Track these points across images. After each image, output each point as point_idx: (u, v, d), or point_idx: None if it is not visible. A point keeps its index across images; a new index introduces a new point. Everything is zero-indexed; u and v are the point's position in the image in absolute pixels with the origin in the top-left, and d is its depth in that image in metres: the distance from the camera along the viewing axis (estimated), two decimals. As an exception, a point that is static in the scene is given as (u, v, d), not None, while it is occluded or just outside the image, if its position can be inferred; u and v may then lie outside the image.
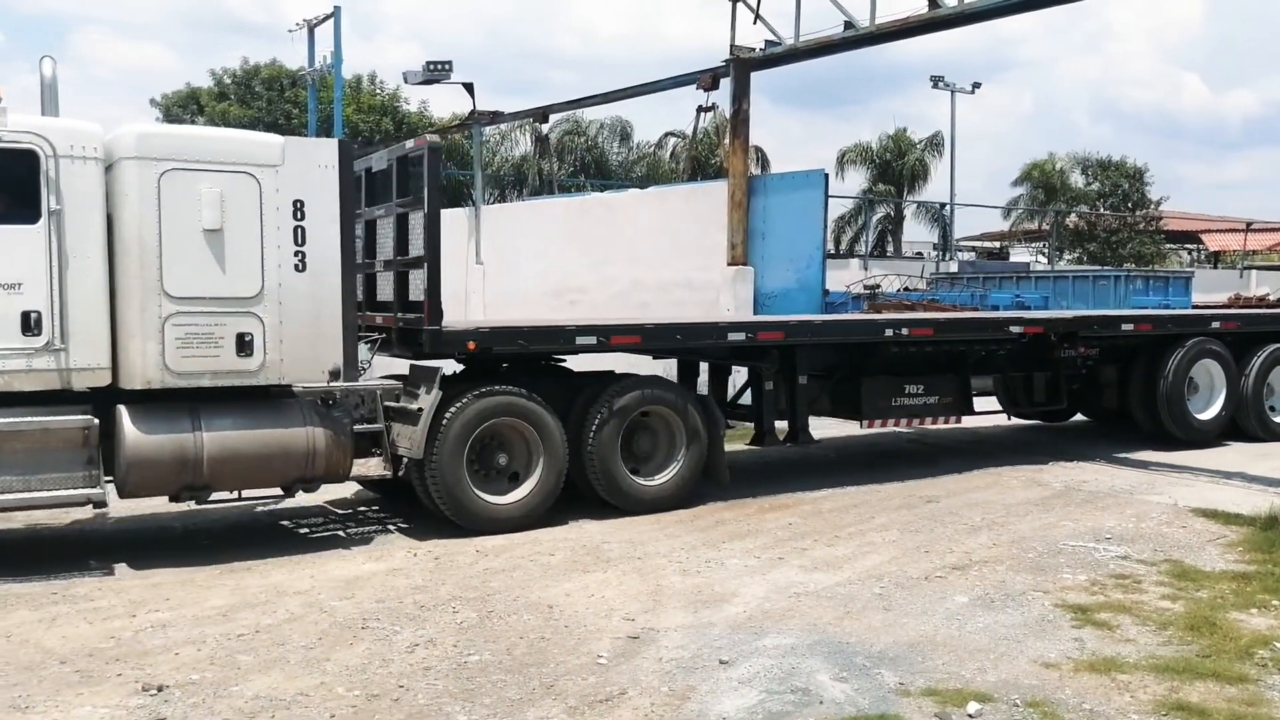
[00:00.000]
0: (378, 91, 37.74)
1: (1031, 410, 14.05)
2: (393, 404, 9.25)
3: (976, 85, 40.89)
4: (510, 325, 10.35)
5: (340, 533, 9.46)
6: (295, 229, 8.70)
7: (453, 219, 25.92)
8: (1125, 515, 9.75)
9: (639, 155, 42.20)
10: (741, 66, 18.53)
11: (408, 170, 9.65)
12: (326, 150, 8.97)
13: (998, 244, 47.32)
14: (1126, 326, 13.07)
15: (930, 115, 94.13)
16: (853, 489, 10.95)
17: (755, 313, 17.53)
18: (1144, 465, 12.30)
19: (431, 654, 6.14)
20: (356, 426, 9.02)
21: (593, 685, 5.70)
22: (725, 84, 19.04)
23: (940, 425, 12.74)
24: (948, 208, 39.98)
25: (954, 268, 31.38)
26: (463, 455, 9.07)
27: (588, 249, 20.91)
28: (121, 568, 8.09)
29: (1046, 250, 42.33)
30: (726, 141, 20.86)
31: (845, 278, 24.17)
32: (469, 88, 24.85)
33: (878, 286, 24.02)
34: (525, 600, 7.20)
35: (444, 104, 58.75)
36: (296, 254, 8.70)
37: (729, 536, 9.05)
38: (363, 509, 10.37)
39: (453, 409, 9.05)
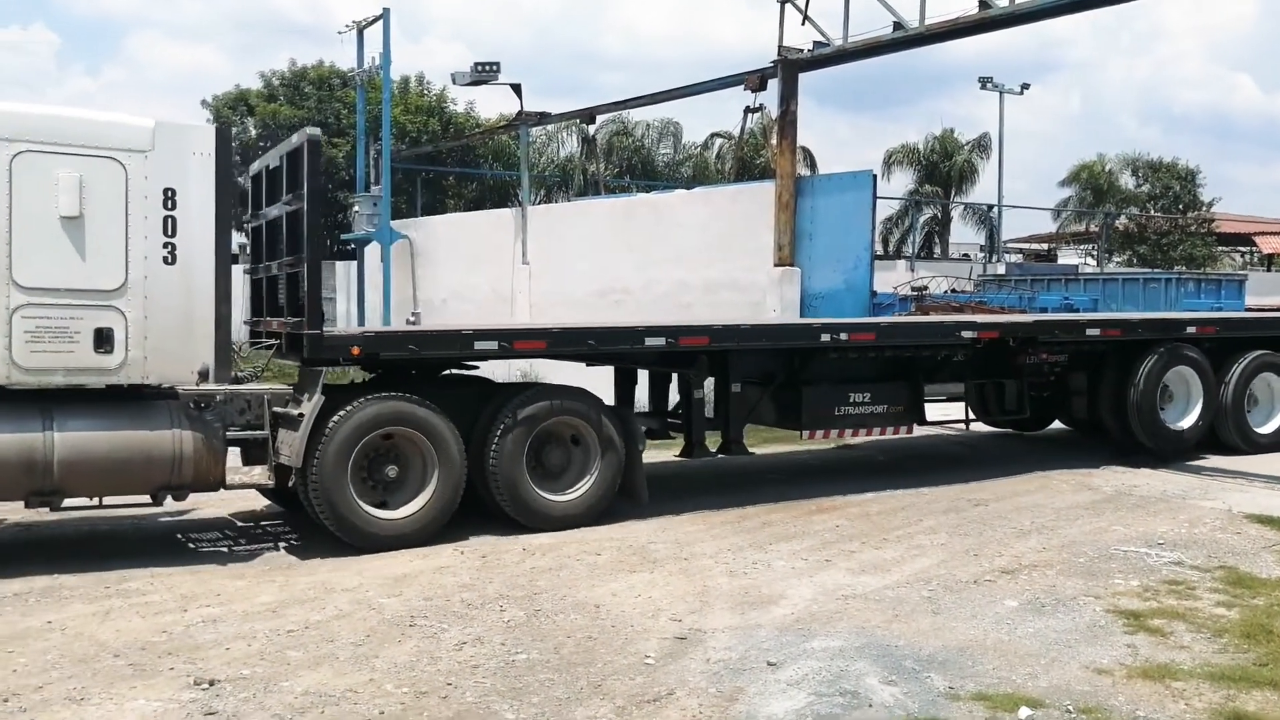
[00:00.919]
0: (425, 93, 38.00)
1: (1002, 419, 13.58)
2: (281, 410, 8.72)
3: (1025, 86, 40.39)
4: (401, 330, 10.06)
5: (232, 547, 9.03)
6: (165, 219, 8.20)
7: (499, 219, 26.08)
8: (1178, 520, 9.60)
9: (685, 156, 42.18)
10: (789, 67, 18.46)
11: (297, 166, 9.12)
12: (202, 136, 8.47)
13: (1045, 246, 46.81)
14: (1092, 331, 12.36)
15: (977, 116, 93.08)
16: (900, 492, 10.87)
17: (802, 314, 17.46)
18: (1197, 470, 12.11)
19: (479, 652, 6.16)
20: (233, 432, 8.55)
21: (640, 685, 5.69)
22: (773, 85, 18.98)
23: (890, 436, 11.86)
24: (995, 209, 39.59)
25: (1001, 270, 31.11)
26: (346, 465, 8.50)
27: (633, 250, 20.92)
28: (172, 563, 8.20)
29: (1095, 252, 41.81)
30: (773, 142, 20.78)
31: (892, 279, 24.00)
32: (516, 89, 25.01)
33: (925, 288, 23.84)
34: (572, 599, 7.21)
35: (491, 105, 59.19)
36: (166, 245, 8.20)
37: (776, 538, 9.01)
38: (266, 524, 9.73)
39: (337, 416, 8.51)
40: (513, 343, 9.58)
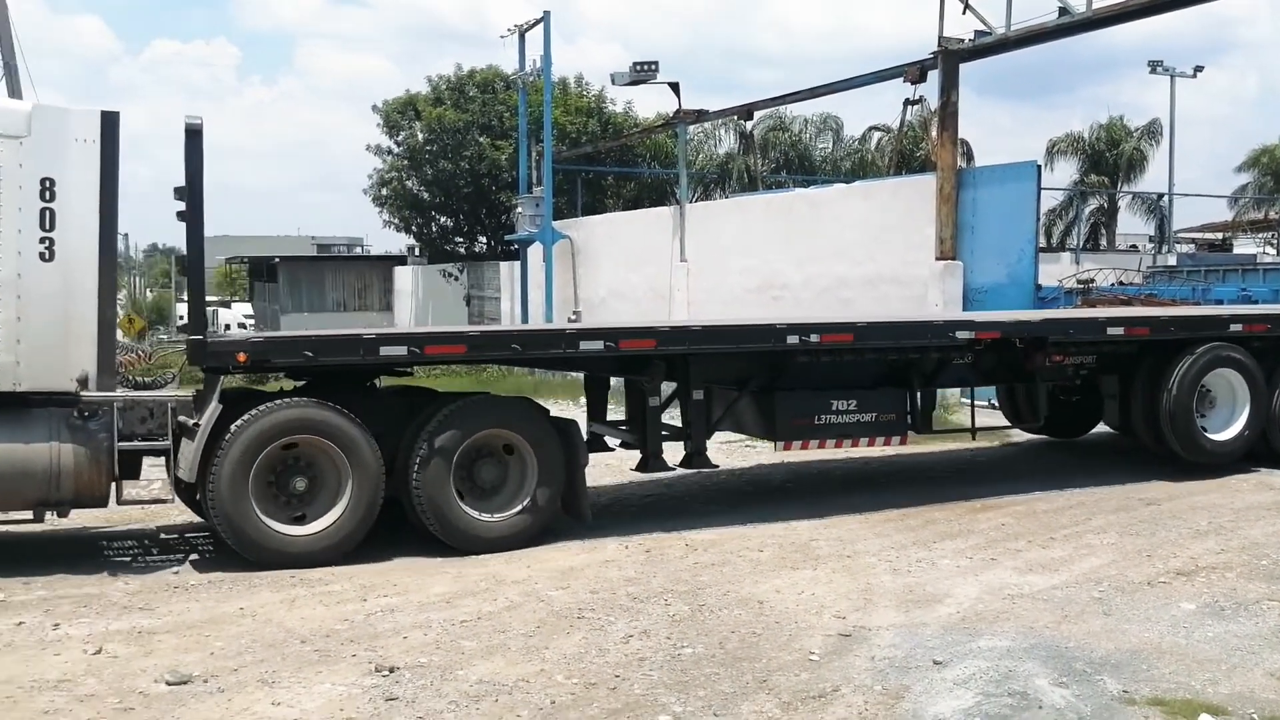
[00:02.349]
0: (584, 93, 38.53)
1: (1031, 425, 12.44)
2: (186, 419, 8.18)
3: (1199, 69, 38.41)
4: (295, 334, 9.27)
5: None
6: (42, 211, 7.60)
7: (657, 218, 26.30)
8: (1376, 523, 9.07)
9: (844, 150, 41.66)
10: (950, 58, 18.08)
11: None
12: (85, 122, 7.81)
13: (1220, 235, 44.42)
14: (1115, 331, 11.04)
15: (1144, 102, 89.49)
16: (1066, 491, 10.55)
17: (965, 309, 17.09)
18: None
19: (645, 645, 6.29)
20: (130, 443, 7.94)
21: (805, 681, 5.72)
22: (932, 76, 18.62)
23: (881, 448, 10.82)
24: (1165, 198, 37.83)
25: (1172, 261, 29.72)
26: (247, 478, 7.93)
27: (792, 245, 20.83)
28: (351, 554, 8.57)
29: (1276, 241, 39.49)
30: (934, 134, 20.38)
31: (1056, 272, 23.22)
32: (674, 87, 25.15)
33: (1091, 281, 22.98)
34: (736, 595, 7.28)
35: (649, 104, 59.60)
36: (43, 240, 7.60)
37: (940, 536, 8.89)
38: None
39: (237, 424, 7.96)
40: (424, 347, 8.83)
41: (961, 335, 10.35)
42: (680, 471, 10.11)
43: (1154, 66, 37.60)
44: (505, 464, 8.86)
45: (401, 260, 43.98)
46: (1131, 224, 44.24)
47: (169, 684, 5.57)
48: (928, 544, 8.63)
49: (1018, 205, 17.10)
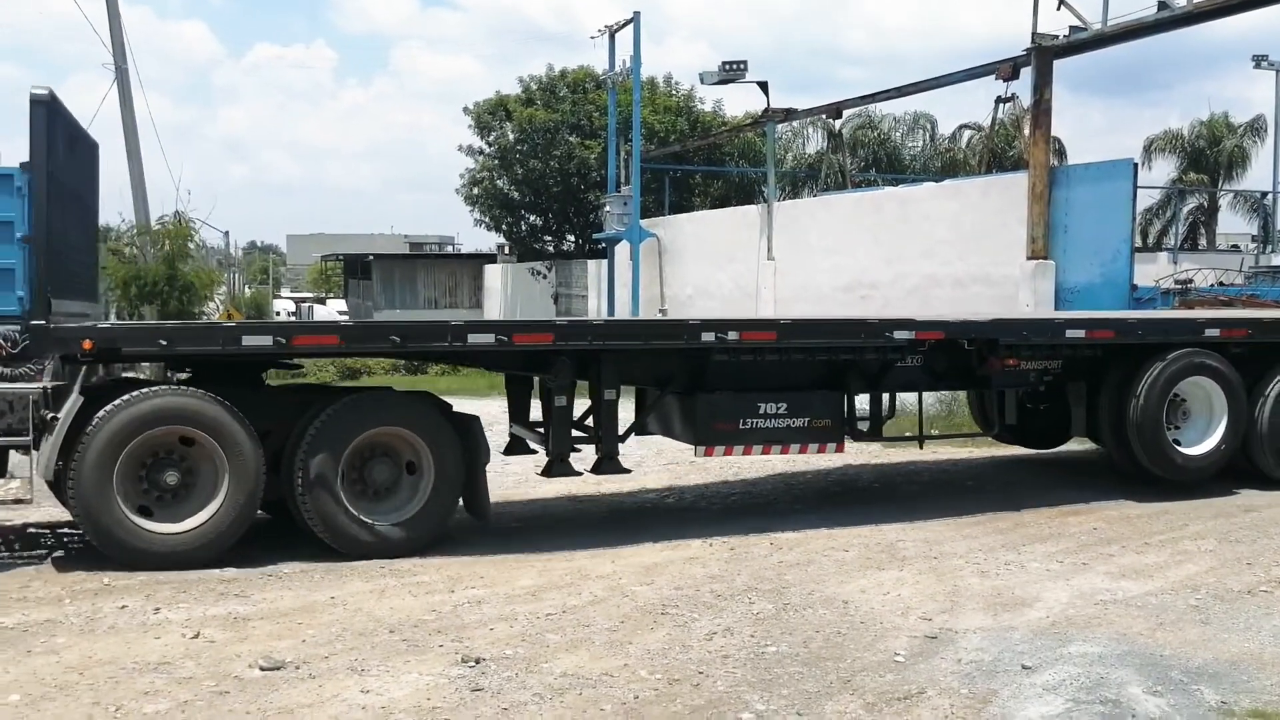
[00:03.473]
0: (673, 93, 38.58)
1: (999, 435, 11.60)
2: (48, 413, 7.77)
3: (1306, 63, 37.04)
4: (149, 324, 8.86)
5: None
6: None
7: (745, 216, 26.23)
8: None
9: (934, 149, 41.11)
10: (1043, 54, 17.73)
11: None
12: None
13: (1330, 235, 42.83)
14: (1074, 333, 10.21)
15: (1247, 97, 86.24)
16: (1160, 502, 10.21)
17: (1057, 309, 16.75)
18: None
19: (729, 642, 6.28)
20: None
21: (890, 683, 5.67)
22: (1025, 73, 18.29)
23: (817, 456, 10.25)
24: (1270, 196, 36.60)
25: (1277, 261, 28.76)
26: (112, 473, 7.57)
27: (880, 244, 20.64)
28: (438, 547, 8.70)
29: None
30: (1026, 132, 20.02)
31: (1153, 272, 22.63)
32: (763, 86, 25.07)
33: (1190, 281, 22.35)
34: (820, 595, 7.23)
35: (737, 103, 59.38)
36: None
37: (1029, 539, 8.74)
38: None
39: (99, 416, 7.58)
40: (291, 338, 8.35)
41: (900, 335, 9.62)
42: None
43: (1258, 61, 36.43)
44: (399, 464, 8.45)
45: (491, 258, 44.46)
46: (1232, 223, 42.98)
47: (263, 669, 5.71)
48: (1016, 547, 8.48)
49: (1112, 204, 16.70)
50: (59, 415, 7.62)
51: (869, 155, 39.51)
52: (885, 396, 10.27)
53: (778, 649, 6.18)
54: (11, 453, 8.03)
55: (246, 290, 68.01)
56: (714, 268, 26.54)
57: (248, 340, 8.12)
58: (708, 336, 9.04)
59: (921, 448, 11.22)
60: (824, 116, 27.84)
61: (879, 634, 6.44)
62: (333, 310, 52.02)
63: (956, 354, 10.15)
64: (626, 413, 9.60)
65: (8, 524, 9.16)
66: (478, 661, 5.91)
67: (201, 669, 5.71)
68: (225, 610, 6.77)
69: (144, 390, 7.86)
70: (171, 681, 5.52)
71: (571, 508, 10.37)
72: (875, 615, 6.79)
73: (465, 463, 8.56)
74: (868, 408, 10.20)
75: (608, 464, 9.30)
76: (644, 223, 28.75)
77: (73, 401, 7.65)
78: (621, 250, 28.99)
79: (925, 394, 10.94)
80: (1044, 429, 12.24)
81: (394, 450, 8.43)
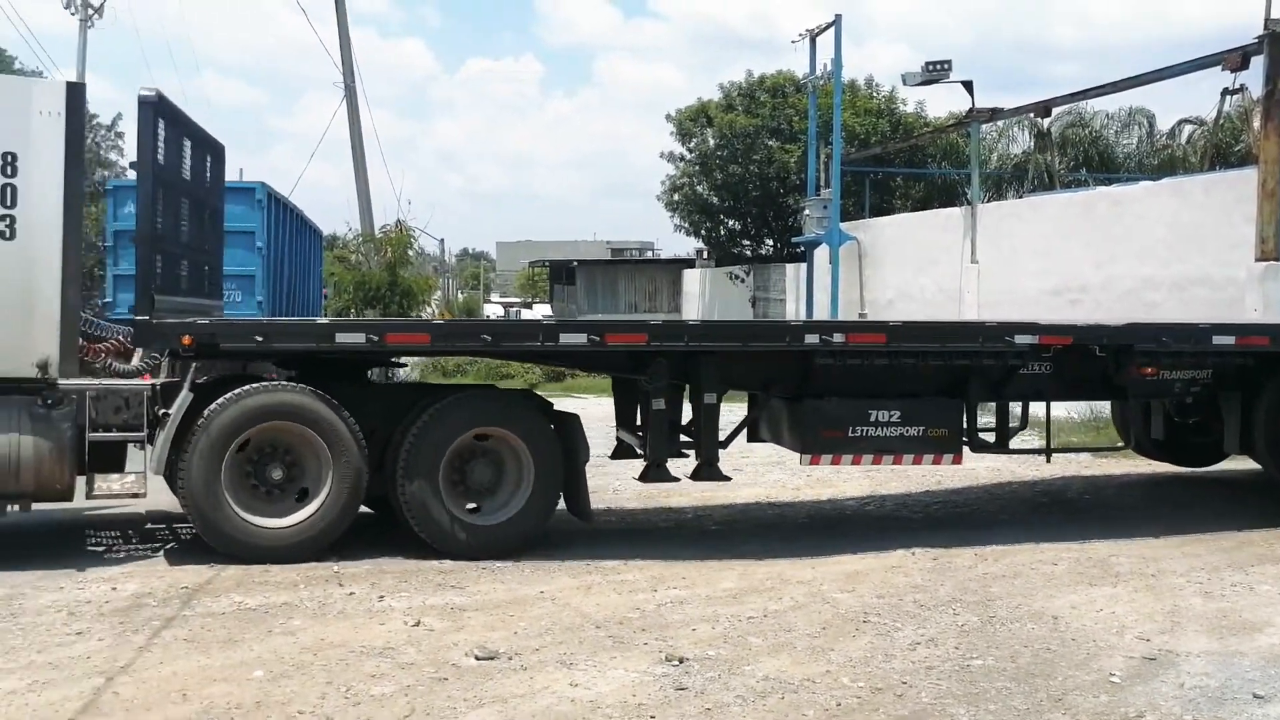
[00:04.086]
0: (874, 95, 38.04)
1: (1149, 451, 10.87)
2: (163, 409, 7.94)
3: None
4: (247, 320, 8.74)
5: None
6: (3, 187, 7.39)
7: (947, 219, 25.61)
8: None
9: (1150, 146, 39.10)
10: (1276, 42, 16.64)
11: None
12: (49, 94, 7.56)
13: None
14: (1222, 340, 9.30)
15: None
16: None
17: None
18: None
19: (933, 653, 6.19)
20: (95, 434, 7.72)
21: (1105, 704, 5.47)
22: (1256, 62, 17.18)
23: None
24: None
25: None
26: (219, 467, 7.72)
27: (1091, 246, 19.79)
28: (642, 547, 8.86)
29: None
30: (1256, 125, 18.84)
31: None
32: (968, 86, 24.43)
33: None
34: (1028, 609, 7.04)
35: (940, 103, 58.12)
36: (3, 218, 7.40)
37: (1257, 559, 8.27)
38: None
39: (208, 411, 7.74)
40: (384, 335, 8.33)
41: (1022, 340, 9.02)
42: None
43: None
44: (501, 462, 8.43)
45: (690, 263, 44.82)
46: None
47: (478, 659, 5.97)
48: (1243, 567, 8.03)
49: (1357, 201, 15.52)
50: (170, 411, 7.81)
51: (1079, 154, 37.89)
52: (1018, 407, 9.76)
53: (984, 662, 6.05)
54: (130, 448, 8.20)
55: (459, 295, 70.85)
56: (915, 271, 26.01)
57: (341, 337, 8.22)
58: (811, 338, 8.75)
59: (1049, 461, 10.46)
60: (1031, 115, 26.86)
61: (1092, 653, 6.22)
62: (539, 314, 53.55)
63: (1089, 361, 9.46)
64: (735, 416, 9.47)
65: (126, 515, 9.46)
66: (681, 661, 5.99)
67: (422, 655, 6.01)
68: (443, 600, 7.10)
69: (251, 386, 7.97)
70: (395, 666, 5.84)
71: (771, 513, 10.39)
72: (1087, 633, 6.56)
73: (566, 462, 8.50)
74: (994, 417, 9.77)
75: (707, 470, 9.02)
76: (844, 226, 28.42)
77: (183, 397, 7.79)
78: (820, 254, 28.75)
79: (1070, 405, 10.50)
80: (1195, 444, 11.29)
81: (495, 449, 8.43)
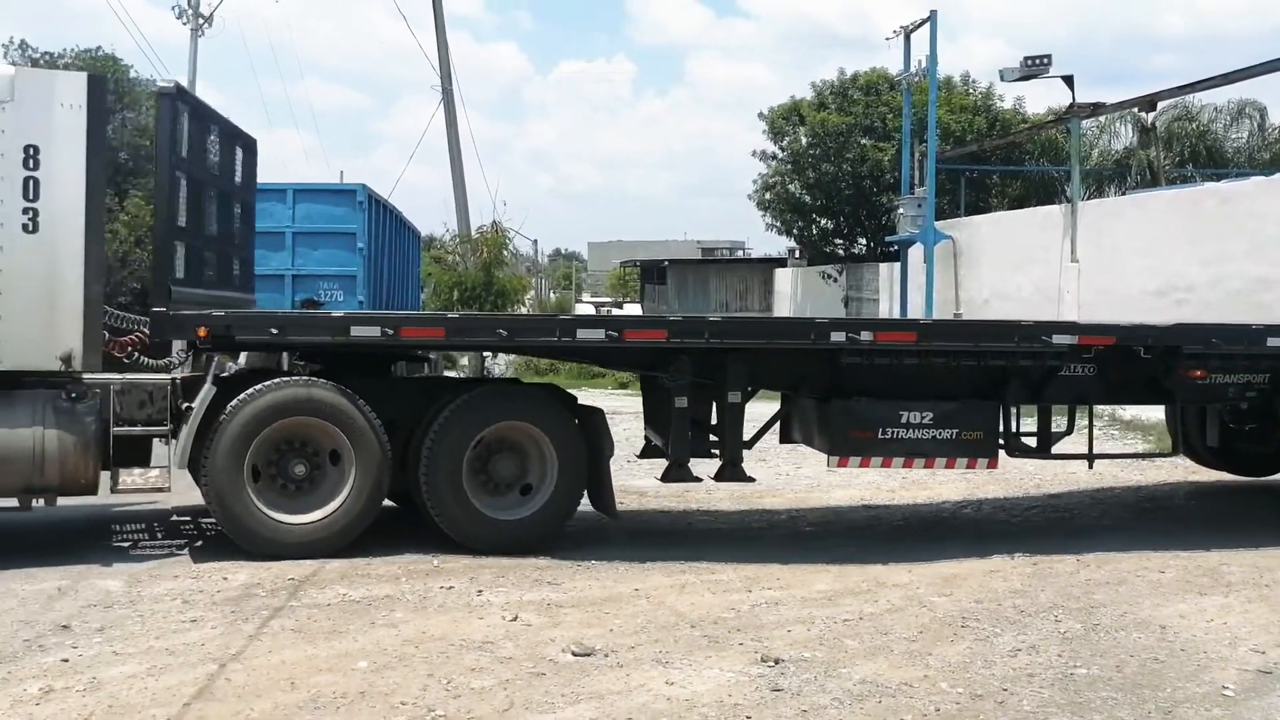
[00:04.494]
0: (970, 91, 37.44)
1: (1203, 456, 10.41)
2: (186, 403, 7.95)
3: None
4: (262, 311, 8.60)
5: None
6: (26, 180, 7.35)
7: (1046, 217, 25.09)
8: None
9: (1263, 140, 37.81)
10: (1400, 31, 15.99)
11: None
12: (71, 87, 7.52)
13: None
14: (1278, 342, 8.83)
15: None
16: None
17: None
18: None
19: (1034, 660, 6.08)
20: (119, 428, 7.72)
21: (1218, 718, 5.33)
22: (1378, 52, 16.54)
23: (963, 470, 9.16)
24: None
25: None
26: (243, 463, 7.71)
27: (1198, 244, 19.21)
28: (734, 548, 8.85)
29: None
30: (1377, 118, 18.11)
31: None
32: (1068, 80, 23.95)
33: None
34: (1134, 617, 6.87)
35: (1038, 99, 57.03)
36: (26, 211, 7.35)
37: (1379, 572, 7.95)
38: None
39: (231, 406, 7.73)
40: (399, 329, 8.21)
41: (1060, 340, 8.66)
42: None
43: None
44: (524, 457, 8.40)
45: (782, 263, 44.60)
46: None
47: (574, 655, 6.02)
48: (1364, 579, 7.74)
49: None
50: (193, 405, 7.84)
51: (1185, 149, 36.81)
52: (1064, 409, 9.40)
53: (1088, 671, 5.93)
54: (155, 442, 8.16)
55: (552, 295, 71.53)
56: (1012, 270, 25.52)
57: (356, 331, 8.13)
58: (838, 336, 8.51)
59: (1091, 467, 10.06)
60: (1135, 110, 26.21)
61: (1202, 664, 6.05)
62: (629, 313, 53.76)
63: (1135, 363, 9.05)
64: (762, 417, 9.33)
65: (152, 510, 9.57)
66: (777, 662, 5.98)
67: (520, 650, 6.09)
68: (540, 596, 7.17)
69: (273, 381, 7.95)
70: (494, 660, 5.92)
71: (866, 515, 10.31)
72: (1197, 643, 6.39)
73: (589, 457, 8.46)
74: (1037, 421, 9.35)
75: (730, 471, 8.85)
76: (938, 224, 28.03)
77: (205, 391, 7.82)
78: (915, 253, 28.40)
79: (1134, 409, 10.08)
80: (1253, 453, 10.68)
81: (518, 444, 8.39)
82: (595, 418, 8.70)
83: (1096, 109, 25.30)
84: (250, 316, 8.53)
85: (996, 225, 28.11)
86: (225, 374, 8.21)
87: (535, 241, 71.91)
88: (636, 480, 11.54)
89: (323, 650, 6.02)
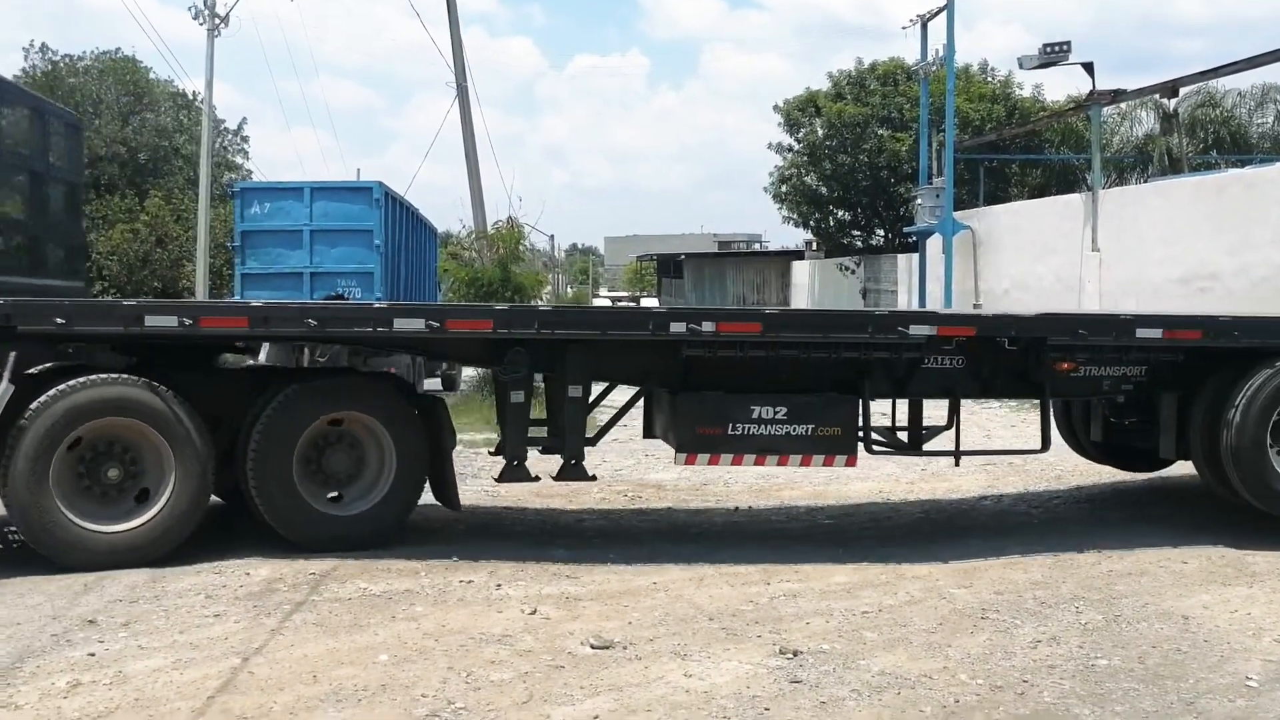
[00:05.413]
0: (989, 79, 37.29)
1: (1091, 452, 10.10)
2: None
3: None
4: (49, 301, 7.82)
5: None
6: None
7: (1066, 206, 24.98)
8: None
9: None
10: None
11: None
12: None
13: None
14: (1148, 333, 8.48)
15: None
16: None
17: None
18: None
19: (1055, 652, 6.06)
20: None
21: (1241, 709, 5.30)
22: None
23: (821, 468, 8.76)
24: None
25: None
26: (47, 469, 7.16)
27: (1223, 232, 19.10)
28: (752, 541, 8.85)
29: None
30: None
31: None
32: (1088, 67, 23.84)
33: None
34: (1156, 608, 6.84)
35: (1058, 87, 56.67)
36: None
37: (1405, 561, 7.88)
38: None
39: (32, 408, 7.16)
40: (198, 319, 7.62)
41: (918, 331, 8.25)
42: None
43: None
44: (361, 450, 8.03)
45: (799, 255, 44.57)
46: None
47: (593, 647, 6.03)
48: (1389, 568, 7.68)
49: None
50: None
51: (1209, 136, 36.54)
52: (946, 405, 9.00)
53: (1109, 662, 5.90)
54: None
55: (569, 291, 71.61)
56: (1032, 260, 25.42)
57: (151, 320, 7.57)
58: (678, 327, 8.05)
59: (958, 464, 9.76)
60: (1156, 96, 26.09)
61: (1226, 655, 6.02)
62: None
63: (1002, 356, 8.65)
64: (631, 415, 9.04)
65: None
66: (795, 654, 5.98)
67: (539, 643, 6.11)
68: (559, 590, 7.19)
69: (79, 380, 7.38)
70: (513, 653, 5.94)
71: (885, 507, 10.29)
72: (1221, 634, 6.35)
73: (431, 449, 8.16)
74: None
75: (570, 470, 8.41)
76: (957, 215, 27.93)
77: (3, 391, 7.18)
78: (933, 244, 28.32)
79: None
80: (1137, 447, 10.07)
81: (354, 436, 8.04)
82: (437, 408, 8.43)
83: (1117, 96, 25.16)
84: (33, 305, 7.69)
85: (1016, 215, 28.00)
86: (33, 371, 7.59)
87: (552, 237, 72.00)
88: (655, 474, 11.59)
89: (344, 644, 6.05)
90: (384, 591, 7.06)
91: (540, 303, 26.05)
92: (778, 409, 8.25)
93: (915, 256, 30.03)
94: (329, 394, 8.07)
